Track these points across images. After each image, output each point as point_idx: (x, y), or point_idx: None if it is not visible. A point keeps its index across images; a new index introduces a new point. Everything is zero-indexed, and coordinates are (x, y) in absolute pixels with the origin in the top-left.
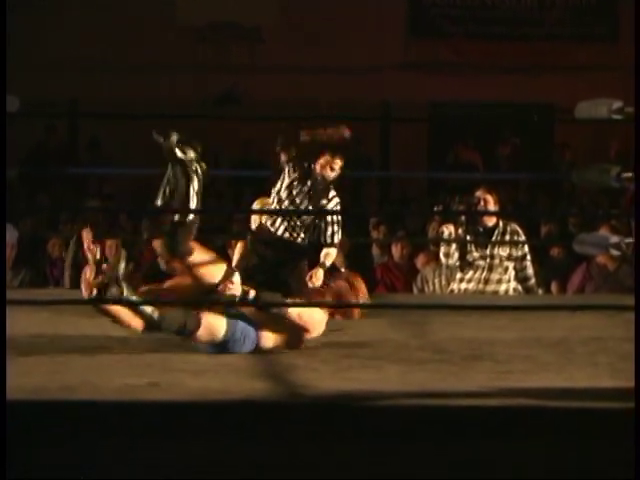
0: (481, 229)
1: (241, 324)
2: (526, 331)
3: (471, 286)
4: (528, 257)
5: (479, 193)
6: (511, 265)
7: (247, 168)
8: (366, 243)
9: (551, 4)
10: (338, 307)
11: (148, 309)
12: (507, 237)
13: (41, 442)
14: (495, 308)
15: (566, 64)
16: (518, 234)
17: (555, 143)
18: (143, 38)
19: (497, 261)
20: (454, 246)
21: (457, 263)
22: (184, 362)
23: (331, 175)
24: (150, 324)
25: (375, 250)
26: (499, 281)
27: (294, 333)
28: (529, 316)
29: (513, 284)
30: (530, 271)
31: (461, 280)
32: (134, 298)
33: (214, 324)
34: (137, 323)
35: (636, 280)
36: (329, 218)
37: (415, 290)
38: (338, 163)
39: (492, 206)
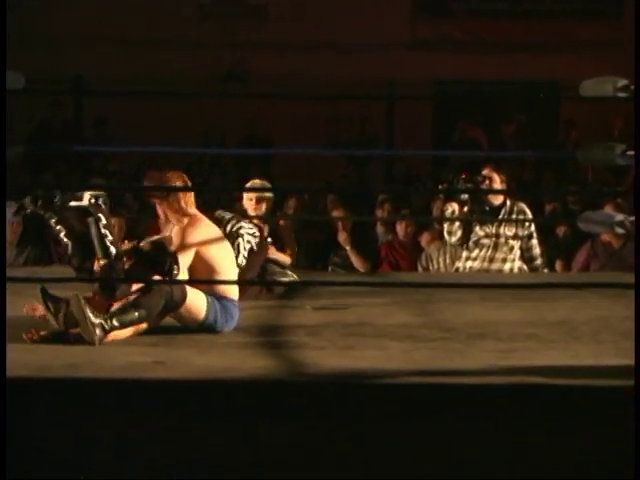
0: (487, 208)
1: (222, 303)
2: (530, 309)
3: (476, 264)
4: (534, 236)
5: (485, 172)
6: (517, 244)
7: (253, 146)
8: (371, 221)
9: None
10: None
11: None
12: (514, 216)
13: (45, 419)
14: (499, 287)
15: (571, 41)
16: (525, 213)
17: (560, 121)
18: (148, 15)
19: (502, 240)
20: (457, 224)
21: (460, 241)
22: (189, 340)
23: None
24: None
25: (380, 228)
26: (504, 260)
27: None
28: (533, 294)
29: (518, 263)
30: (537, 251)
31: (467, 258)
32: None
33: (196, 303)
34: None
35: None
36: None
37: (420, 268)
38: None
39: (498, 185)
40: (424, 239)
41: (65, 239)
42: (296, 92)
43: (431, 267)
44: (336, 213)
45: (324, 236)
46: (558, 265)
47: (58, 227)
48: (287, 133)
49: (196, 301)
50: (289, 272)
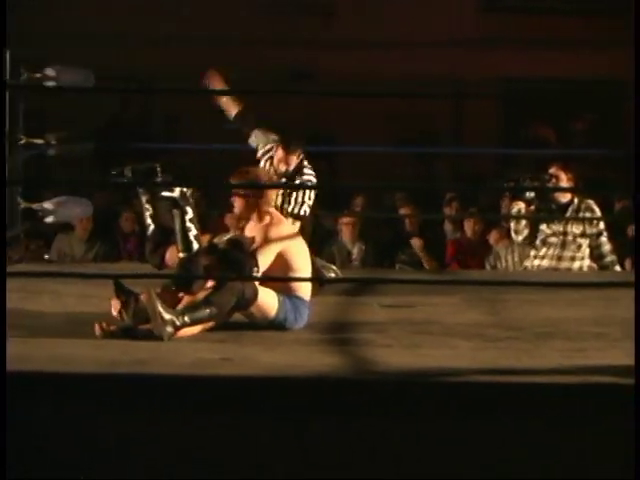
0: (554, 206)
1: (293, 301)
2: (599, 308)
3: (545, 263)
4: (604, 234)
5: (552, 170)
6: (585, 242)
7: (318, 143)
8: (439, 219)
9: None
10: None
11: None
12: (581, 214)
13: (114, 412)
14: (567, 285)
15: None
16: (593, 211)
17: (626, 119)
18: (215, 12)
19: (570, 238)
20: (524, 223)
21: (527, 240)
22: (257, 337)
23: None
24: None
25: (447, 226)
26: (572, 258)
27: None
28: (603, 293)
29: (587, 262)
30: (606, 248)
31: (535, 257)
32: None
33: (267, 302)
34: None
35: (636, 263)
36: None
37: (488, 267)
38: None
39: (565, 183)
40: (492, 237)
41: (149, 220)
42: (362, 90)
43: (499, 265)
44: (404, 211)
45: (391, 234)
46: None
47: (147, 206)
48: (352, 131)
49: (267, 300)
50: (333, 266)
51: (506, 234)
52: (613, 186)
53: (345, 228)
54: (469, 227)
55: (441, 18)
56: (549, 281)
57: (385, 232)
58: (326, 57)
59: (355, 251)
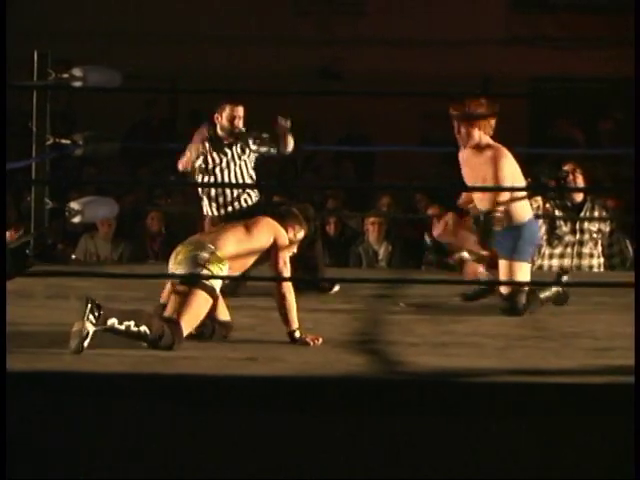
0: (569, 204)
1: None
2: (627, 308)
3: (565, 262)
4: (615, 234)
5: (567, 167)
6: (600, 240)
7: (350, 143)
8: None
9: None
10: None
11: None
12: (596, 213)
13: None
14: (593, 285)
15: None
16: (607, 210)
17: None
18: (243, 11)
19: (587, 235)
20: (540, 220)
21: (544, 237)
22: (283, 337)
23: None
24: None
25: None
26: (591, 255)
27: None
28: (629, 293)
29: (603, 259)
30: (616, 247)
31: (551, 256)
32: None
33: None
34: None
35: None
36: None
37: None
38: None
39: (581, 181)
40: None
41: None
42: (393, 90)
43: None
44: (431, 211)
45: (418, 234)
46: None
47: None
48: (382, 130)
49: None
50: None
51: None
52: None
53: (372, 228)
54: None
55: (471, 17)
56: (575, 281)
57: (412, 232)
58: (354, 56)
59: (381, 251)
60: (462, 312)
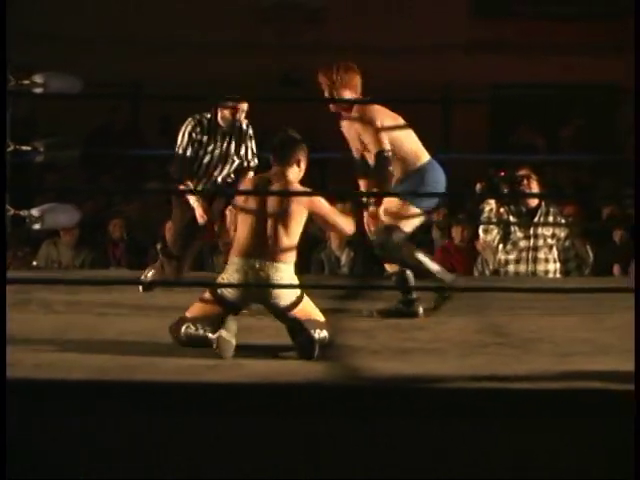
0: (524, 209)
1: None
2: (587, 314)
3: (521, 267)
4: (569, 240)
5: (523, 172)
6: (554, 244)
7: (309, 150)
8: (427, 225)
9: None
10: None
11: None
12: (550, 218)
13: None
14: (554, 291)
15: (631, 43)
16: (560, 215)
17: (618, 125)
18: (208, 18)
19: (541, 241)
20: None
21: (497, 240)
22: (249, 345)
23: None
24: None
25: (435, 233)
26: (546, 260)
27: None
28: (590, 299)
29: (559, 264)
30: (570, 253)
31: (506, 262)
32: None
33: None
34: None
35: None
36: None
37: (476, 273)
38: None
39: (535, 187)
40: (479, 243)
41: None
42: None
43: (487, 271)
44: None
45: None
46: (616, 269)
47: None
48: (339, 137)
49: None
50: None
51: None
52: (601, 192)
53: (333, 236)
54: (457, 233)
55: (432, 24)
56: (536, 287)
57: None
58: (315, 63)
59: (344, 258)
60: (423, 319)
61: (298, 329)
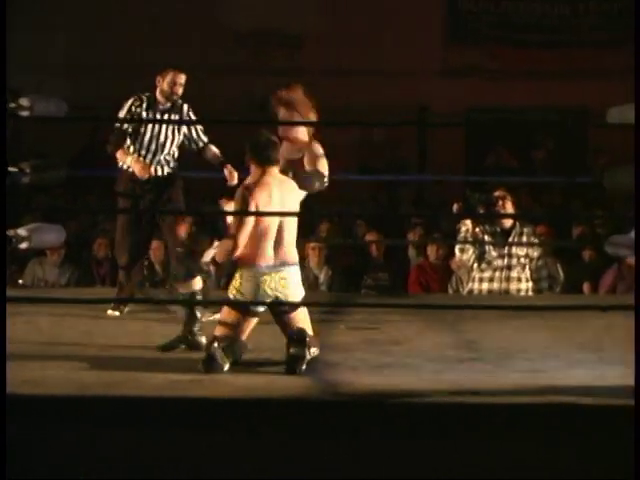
0: (498, 229)
1: None
2: (558, 330)
3: (495, 285)
4: (541, 259)
5: (498, 193)
6: (527, 264)
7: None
8: (403, 244)
9: (584, 10)
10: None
11: None
12: (524, 238)
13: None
14: (527, 309)
15: (600, 69)
16: (534, 235)
17: (589, 147)
18: (184, 40)
19: (515, 260)
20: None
21: (472, 259)
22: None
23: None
24: None
25: (411, 251)
26: (519, 279)
27: None
28: (561, 316)
29: (531, 283)
30: (543, 272)
31: (480, 280)
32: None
33: None
34: None
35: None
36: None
37: (450, 290)
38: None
39: (510, 207)
40: (454, 262)
41: None
42: (329, 119)
43: (461, 289)
44: (369, 237)
45: (357, 259)
46: (585, 287)
47: None
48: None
49: None
50: None
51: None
52: (571, 212)
53: (312, 253)
54: (432, 252)
55: (407, 50)
56: (509, 304)
57: (351, 258)
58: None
59: (322, 276)
60: (400, 335)
61: (298, 340)
